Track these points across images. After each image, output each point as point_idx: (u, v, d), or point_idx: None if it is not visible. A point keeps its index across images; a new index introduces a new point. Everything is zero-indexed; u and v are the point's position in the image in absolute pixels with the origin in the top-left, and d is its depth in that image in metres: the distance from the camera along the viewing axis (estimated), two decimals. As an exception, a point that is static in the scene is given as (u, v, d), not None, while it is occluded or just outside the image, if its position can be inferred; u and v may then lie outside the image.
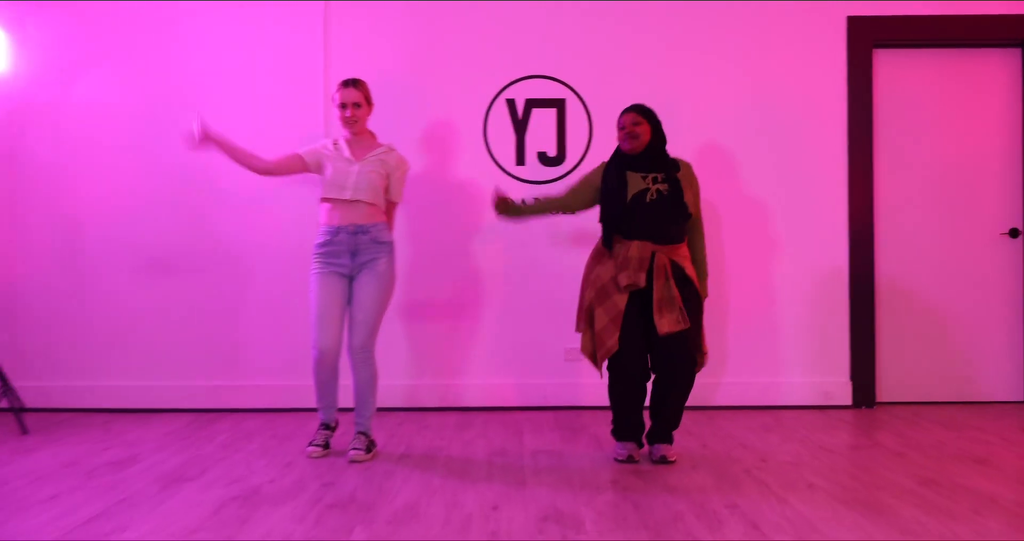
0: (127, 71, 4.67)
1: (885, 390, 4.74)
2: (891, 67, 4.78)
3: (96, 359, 4.67)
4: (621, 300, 3.41)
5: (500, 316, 4.68)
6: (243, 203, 4.65)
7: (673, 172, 3.52)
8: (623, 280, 3.40)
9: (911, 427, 4.12)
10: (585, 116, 4.71)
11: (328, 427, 3.71)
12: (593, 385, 4.63)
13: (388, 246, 3.63)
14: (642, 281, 3.39)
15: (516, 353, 4.68)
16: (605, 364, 3.55)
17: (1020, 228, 4.76)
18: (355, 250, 3.55)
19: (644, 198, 3.45)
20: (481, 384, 4.68)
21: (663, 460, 3.44)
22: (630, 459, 3.47)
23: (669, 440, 3.53)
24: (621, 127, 3.57)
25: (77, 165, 4.67)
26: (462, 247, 4.67)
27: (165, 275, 4.66)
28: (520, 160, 4.71)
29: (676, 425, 3.55)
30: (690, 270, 3.50)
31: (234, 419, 4.41)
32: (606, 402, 4.50)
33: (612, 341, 3.40)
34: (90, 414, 4.57)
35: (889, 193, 4.77)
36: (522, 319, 4.68)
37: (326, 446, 3.63)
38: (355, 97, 3.61)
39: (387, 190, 3.67)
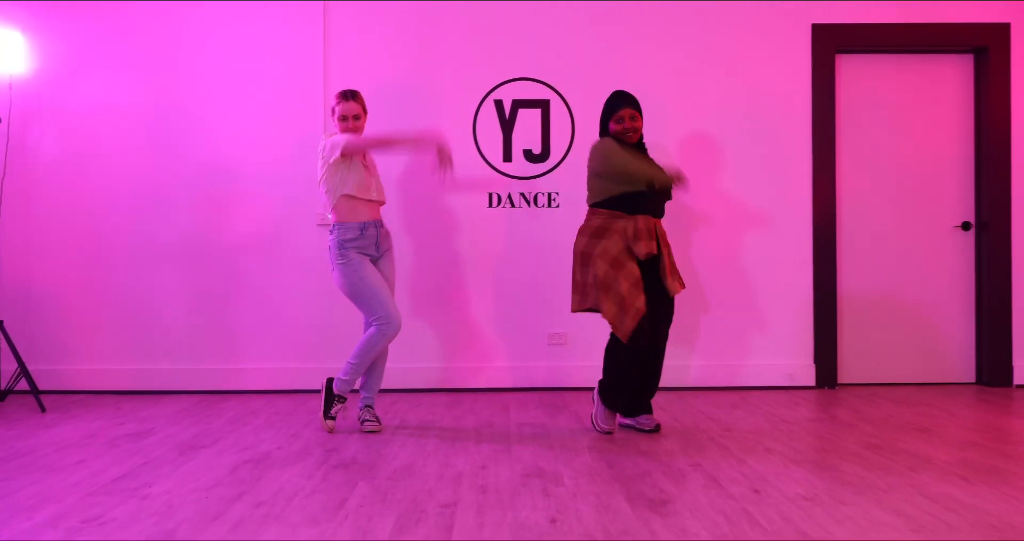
0: (137, 71, 4.96)
1: (847, 372, 5.09)
2: (853, 71, 5.13)
3: (105, 344, 4.96)
4: (636, 268, 3.63)
5: (487, 303, 5.00)
6: (246, 199, 4.95)
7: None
8: (643, 249, 3.61)
9: (866, 404, 4.47)
10: (568, 116, 5.02)
11: (344, 399, 3.89)
12: (575, 367, 4.95)
13: (391, 235, 4.10)
14: (655, 248, 3.64)
15: (503, 338, 5.00)
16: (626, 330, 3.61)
17: (972, 221, 5.11)
18: (378, 242, 3.92)
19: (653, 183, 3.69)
20: (470, 367, 4.99)
21: (658, 428, 3.75)
22: (609, 432, 3.77)
23: (650, 410, 3.84)
24: (619, 120, 3.74)
25: (89, 161, 4.96)
26: (452, 239, 4.98)
27: (172, 266, 4.95)
28: (507, 157, 5.02)
29: (652, 394, 3.86)
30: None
31: (239, 399, 4.71)
32: (587, 383, 4.86)
33: (640, 302, 3.57)
34: (101, 395, 4.85)
35: (851, 189, 5.11)
36: (508, 306, 5.00)
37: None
38: (355, 109, 3.91)
39: None
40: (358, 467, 3.16)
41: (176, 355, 4.96)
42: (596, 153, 3.75)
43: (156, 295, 4.96)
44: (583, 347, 4.98)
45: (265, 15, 4.96)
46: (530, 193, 5.01)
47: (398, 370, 4.91)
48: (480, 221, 5.00)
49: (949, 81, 5.15)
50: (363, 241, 3.86)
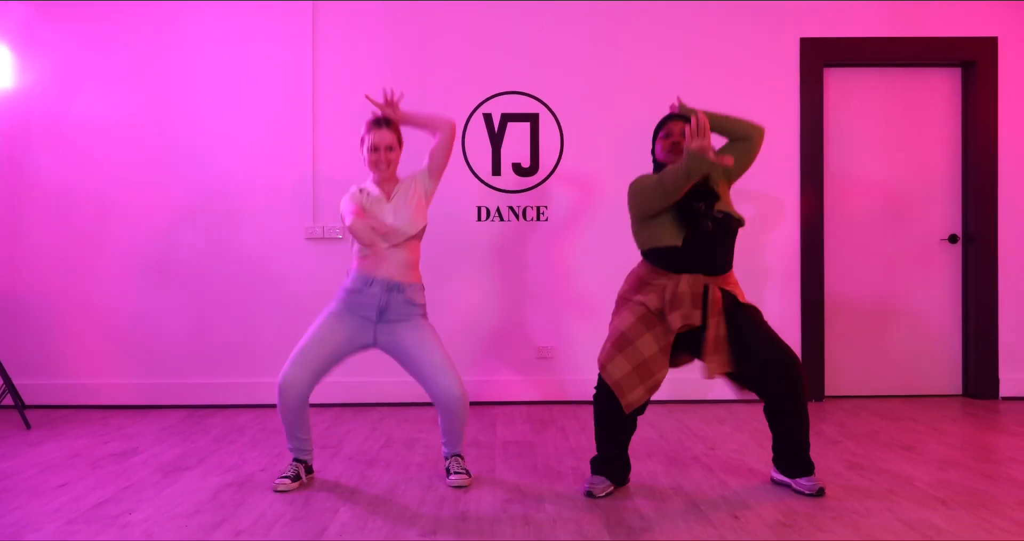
0: (124, 83, 4.95)
1: (834, 385, 5.10)
2: (841, 85, 5.13)
3: (94, 358, 4.95)
4: (670, 334, 3.10)
5: (476, 317, 5.00)
6: (235, 211, 4.94)
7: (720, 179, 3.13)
8: (677, 321, 3.03)
9: (852, 417, 4.48)
10: (557, 129, 5.02)
11: (301, 461, 3.31)
12: (563, 381, 4.96)
13: (421, 309, 3.26)
14: (698, 319, 3.03)
15: (491, 352, 5.00)
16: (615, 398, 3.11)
17: (959, 234, 5.12)
18: (385, 307, 3.18)
19: (695, 228, 3.06)
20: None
21: (820, 492, 3.03)
22: (591, 495, 3.06)
23: (809, 470, 3.10)
24: (667, 135, 3.14)
25: (78, 174, 4.95)
26: (442, 252, 4.98)
27: (160, 280, 4.94)
28: (496, 170, 5.02)
29: (806, 450, 3.11)
30: (741, 295, 3.15)
31: (226, 414, 4.70)
32: (576, 397, 4.88)
33: (662, 375, 3.06)
34: (89, 410, 4.84)
35: (838, 202, 5.12)
36: (497, 320, 5.00)
37: (296, 477, 3.22)
38: (389, 140, 3.24)
39: (431, 171, 3.36)
40: (340, 491, 3.16)
41: (165, 369, 4.96)
42: (629, 195, 3.19)
43: (145, 309, 4.95)
44: (572, 361, 4.98)
45: (254, 25, 4.96)
46: (519, 207, 5.01)
47: (388, 384, 4.91)
48: (469, 235, 5.00)
49: (936, 95, 5.15)
50: (360, 298, 3.19)
